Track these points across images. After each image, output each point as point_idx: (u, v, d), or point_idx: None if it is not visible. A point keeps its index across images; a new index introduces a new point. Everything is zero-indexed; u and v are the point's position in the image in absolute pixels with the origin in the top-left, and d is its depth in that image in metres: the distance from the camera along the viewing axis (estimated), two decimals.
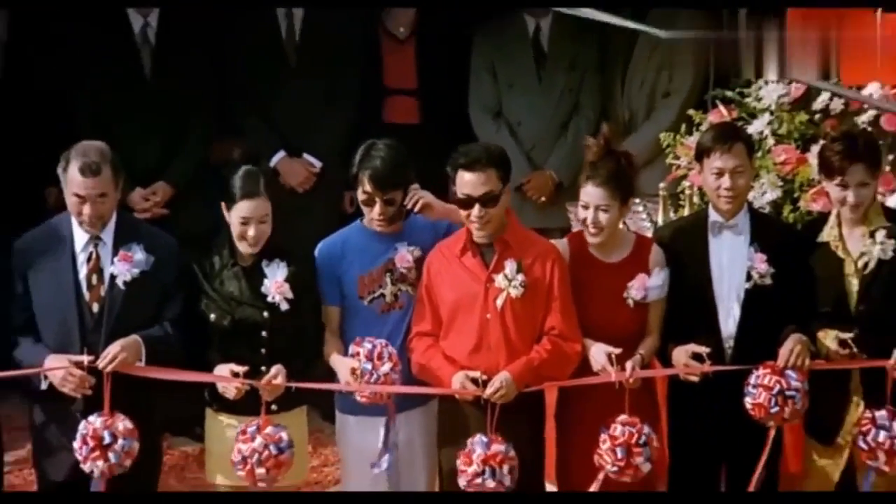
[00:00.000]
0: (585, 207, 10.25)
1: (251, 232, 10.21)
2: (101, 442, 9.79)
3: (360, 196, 10.36)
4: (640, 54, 13.24)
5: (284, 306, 10.25)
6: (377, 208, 10.33)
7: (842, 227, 10.17)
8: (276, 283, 10.22)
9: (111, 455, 9.82)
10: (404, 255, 10.41)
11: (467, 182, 10.19)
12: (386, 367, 10.07)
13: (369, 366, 10.02)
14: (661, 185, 11.84)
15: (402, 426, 10.40)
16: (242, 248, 10.29)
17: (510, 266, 10.06)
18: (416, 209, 10.44)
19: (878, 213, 10.17)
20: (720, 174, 10.18)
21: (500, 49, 13.30)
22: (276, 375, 10.03)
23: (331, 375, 10.47)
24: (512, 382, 9.97)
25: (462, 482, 10.10)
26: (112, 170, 10.23)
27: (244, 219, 10.19)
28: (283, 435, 9.99)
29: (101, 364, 9.87)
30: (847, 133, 10.61)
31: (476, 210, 10.13)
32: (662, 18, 13.05)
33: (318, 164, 12.19)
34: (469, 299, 10.30)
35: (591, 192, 10.28)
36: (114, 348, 9.94)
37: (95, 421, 9.84)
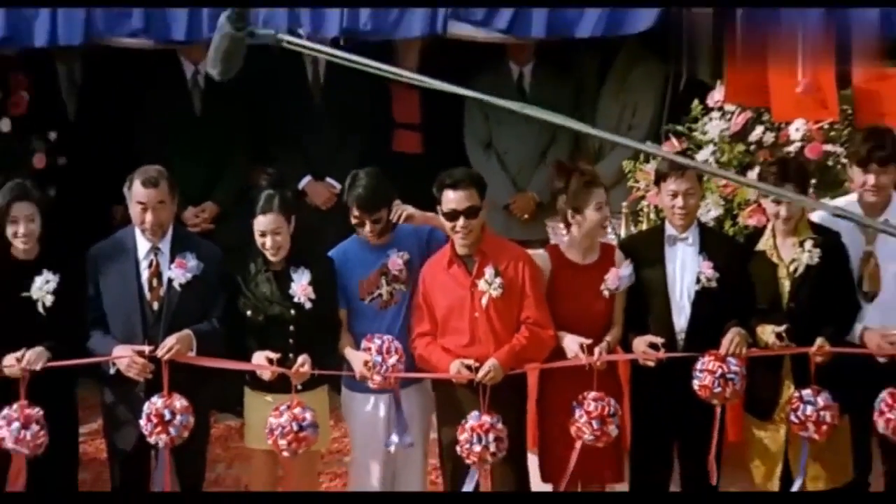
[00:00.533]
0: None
1: (268, 242, 10.31)
2: (162, 418, 9.90)
3: (353, 219, 10.48)
4: (607, 95, 13.26)
5: (308, 305, 10.33)
6: (367, 227, 10.46)
7: (776, 238, 10.28)
8: (301, 286, 10.30)
9: (171, 429, 9.93)
10: (395, 261, 10.48)
11: (452, 199, 10.29)
12: (393, 360, 10.19)
13: (379, 359, 10.16)
14: (624, 203, 11.83)
15: (402, 400, 10.42)
16: (267, 255, 10.39)
17: (489, 272, 10.14)
18: (401, 220, 10.52)
19: (805, 226, 10.22)
20: (675, 195, 10.26)
21: (490, 93, 13.00)
22: (304, 364, 10.10)
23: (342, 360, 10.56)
24: (499, 367, 10.05)
25: (468, 456, 10.11)
26: (168, 184, 10.32)
27: (261, 231, 10.30)
28: (308, 416, 10.05)
29: (160, 353, 9.98)
30: (781, 159, 10.79)
31: (461, 222, 10.22)
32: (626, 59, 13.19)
33: (338, 186, 12.11)
34: (459, 303, 10.37)
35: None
36: (170, 340, 10.03)
37: (157, 401, 9.94)
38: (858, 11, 11.87)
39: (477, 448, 10.02)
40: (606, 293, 10.34)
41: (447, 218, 10.35)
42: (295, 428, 10.01)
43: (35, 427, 9.91)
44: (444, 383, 10.42)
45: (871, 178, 10.30)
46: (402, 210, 10.45)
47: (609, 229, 11.21)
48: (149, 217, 10.23)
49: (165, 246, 10.37)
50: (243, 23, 7.43)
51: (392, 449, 10.46)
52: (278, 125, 13.05)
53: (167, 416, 9.93)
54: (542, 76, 13.35)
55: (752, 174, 11.15)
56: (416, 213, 10.55)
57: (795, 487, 10.27)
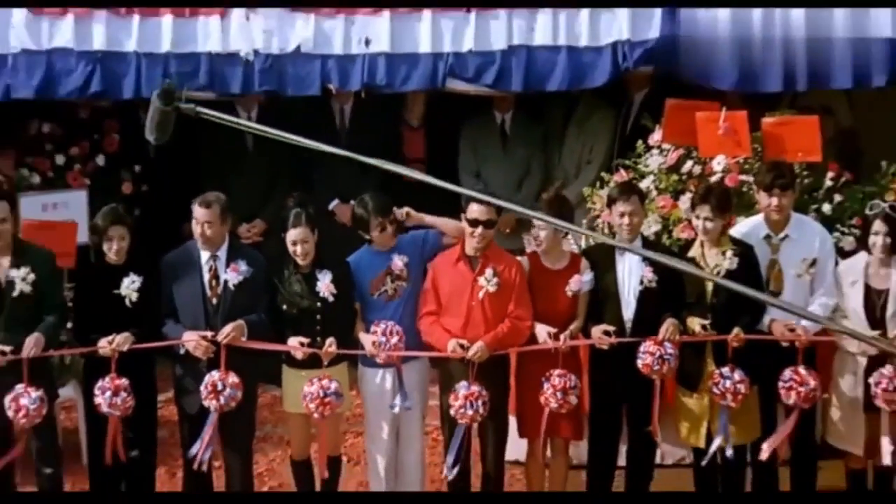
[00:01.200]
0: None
1: (298, 250, 10.32)
2: (216, 388, 10.01)
3: (374, 226, 10.42)
4: (570, 136, 13.14)
5: (331, 300, 10.34)
6: (387, 230, 10.44)
7: (703, 248, 10.28)
8: (325, 284, 10.32)
9: (221, 398, 10.01)
10: (398, 263, 10.45)
11: (477, 210, 10.22)
12: (395, 340, 10.20)
13: (384, 339, 10.17)
14: (584, 221, 11.80)
15: (407, 374, 10.43)
16: (298, 261, 10.42)
17: (489, 272, 10.11)
18: (405, 217, 10.55)
19: (726, 239, 10.23)
20: (622, 215, 10.26)
21: (478, 134, 13.29)
22: (331, 345, 10.12)
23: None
24: (485, 348, 10.05)
25: (460, 417, 10.13)
26: (220, 207, 10.34)
27: (292, 241, 10.31)
28: (333, 386, 10.12)
29: (219, 338, 10.05)
30: (706, 186, 10.72)
31: (480, 230, 10.18)
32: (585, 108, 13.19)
33: (352, 205, 11.81)
34: (460, 292, 10.33)
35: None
36: (227, 328, 10.10)
37: (215, 375, 10.02)
38: (768, 70, 12.15)
39: (469, 412, 10.02)
40: (570, 293, 10.37)
41: (470, 224, 10.32)
42: (321, 395, 10.08)
43: (123, 394, 9.95)
44: (443, 359, 10.39)
45: (774, 201, 10.32)
46: (405, 210, 10.51)
47: (572, 241, 11.29)
48: (199, 230, 10.32)
49: (222, 254, 10.41)
50: (171, 99, 7.57)
51: (396, 410, 10.45)
52: (314, 161, 12.85)
53: (220, 387, 10.03)
54: (520, 121, 13.23)
55: (685, 198, 11.12)
56: (413, 213, 10.58)
57: (715, 444, 10.21)
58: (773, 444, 10.26)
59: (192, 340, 10.17)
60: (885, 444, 10.21)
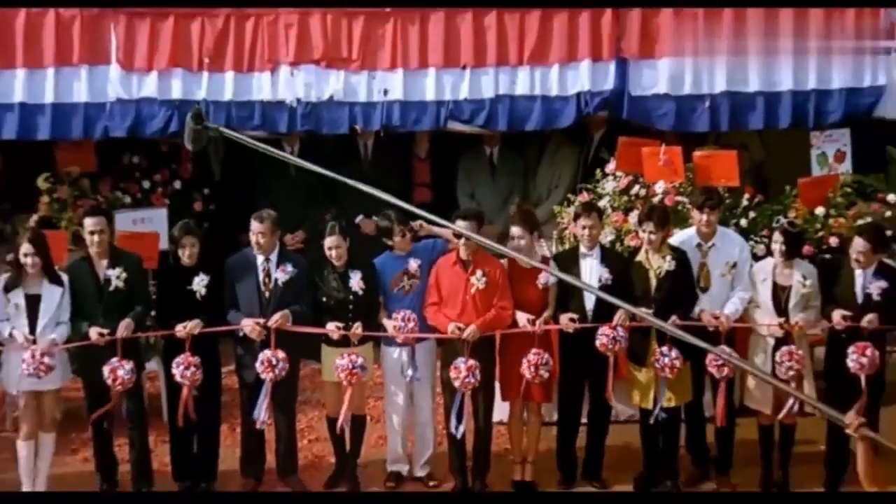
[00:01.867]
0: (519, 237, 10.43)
1: (333, 254, 10.31)
2: (271, 363, 9.97)
3: (396, 234, 10.43)
4: (544, 165, 13.12)
5: (360, 293, 10.34)
6: (405, 237, 10.46)
7: (648, 254, 10.28)
8: (356, 281, 10.31)
9: (276, 371, 9.98)
10: (413, 265, 10.43)
11: (463, 226, 10.11)
12: (411, 325, 10.20)
13: (402, 324, 10.18)
14: (554, 232, 11.82)
15: (417, 352, 10.43)
16: (333, 262, 10.40)
17: (479, 272, 10.11)
18: (419, 228, 10.51)
19: (666, 246, 10.26)
20: (585, 227, 10.31)
21: (472, 164, 13.30)
22: (359, 328, 10.13)
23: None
24: (477, 331, 10.05)
25: (456, 384, 10.11)
26: (271, 221, 10.33)
27: (329, 247, 10.31)
28: (359, 360, 10.11)
29: (270, 324, 10.04)
30: (650, 205, 10.75)
31: (468, 242, 10.14)
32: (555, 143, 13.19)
33: (376, 222, 11.33)
34: (457, 288, 10.32)
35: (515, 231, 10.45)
36: (277, 316, 10.07)
37: (268, 352, 9.97)
38: (697, 115, 12.23)
39: (471, 381, 10.01)
40: (540, 285, 10.38)
41: (457, 236, 10.30)
42: (350, 367, 10.08)
43: (194, 368, 9.98)
44: (447, 342, 10.35)
45: (704, 217, 10.33)
46: (419, 222, 10.41)
47: (545, 247, 11.39)
48: (254, 239, 10.34)
49: (273, 258, 10.39)
50: (200, 120, 7.91)
51: (408, 379, 10.49)
52: (340, 184, 12.72)
53: (274, 362, 9.99)
54: (504, 154, 13.16)
55: (634, 215, 11.18)
56: (425, 225, 10.45)
57: (658, 407, 10.21)
58: (721, 411, 10.25)
59: (248, 325, 10.17)
60: (788, 404, 10.23)
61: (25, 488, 10.22)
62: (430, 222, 10.05)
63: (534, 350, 10.17)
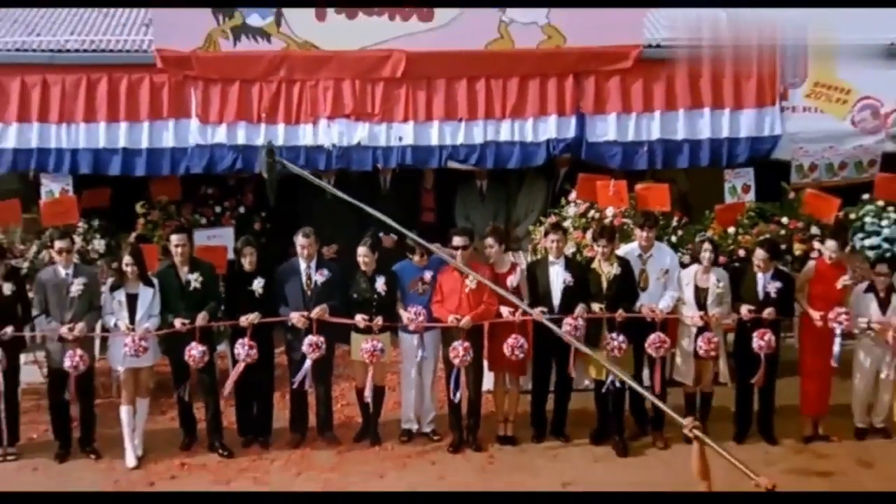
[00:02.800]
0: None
1: (362, 262, 10.30)
2: (316, 345, 10.11)
3: (418, 253, 10.44)
4: (522, 195, 12.96)
5: (383, 293, 10.30)
6: (416, 256, 10.44)
7: (600, 262, 10.30)
8: (380, 283, 10.28)
9: (319, 351, 10.10)
10: (427, 276, 10.44)
11: (458, 241, 10.30)
12: (421, 318, 10.18)
13: (415, 317, 10.18)
14: (529, 246, 11.95)
15: (425, 338, 10.43)
16: (363, 268, 10.35)
17: (471, 277, 9.88)
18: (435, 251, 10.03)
19: (614, 256, 10.29)
20: (553, 242, 10.39)
21: (466, 193, 13.08)
22: (380, 320, 10.19)
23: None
24: (470, 321, 10.09)
25: (455, 361, 10.13)
26: (312, 238, 10.33)
27: (360, 256, 10.32)
28: (379, 345, 10.19)
29: (312, 315, 10.12)
30: (602, 226, 10.76)
31: (460, 251, 10.22)
32: (530, 177, 13.04)
33: (395, 237, 11.59)
34: (454, 289, 10.29)
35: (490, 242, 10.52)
36: (317, 309, 10.14)
37: (312, 337, 10.10)
38: (639, 157, 12.08)
39: (467, 358, 10.09)
40: (510, 285, 10.25)
41: (456, 249, 10.34)
42: (371, 349, 10.17)
43: (253, 351, 10.07)
44: (447, 329, 10.30)
45: (644, 234, 10.45)
46: (437, 245, 10.18)
47: (521, 257, 11.41)
48: (300, 251, 10.33)
49: (313, 265, 10.37)
50: (271, 155, 8.38)
51: (418, 358, 10.46)
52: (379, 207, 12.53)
53: (316, 344, 10.10)
54: (491, 185, 13.03)
55: (590, 233, 11.10)
56: (440, 248, 10.35)
57: (609, 379, 10.22)
58: (657, 381, 10.24)
59: (295, 317, 10.21)
60: (707, 377, 10.49)
61: (127, 441, 10.21)
62: (418, 244, 10.14)
63: (513, 335, 10.20)
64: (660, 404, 7.27)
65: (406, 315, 10.40)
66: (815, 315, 10.36)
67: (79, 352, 9.99)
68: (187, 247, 10.43)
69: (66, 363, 9.98)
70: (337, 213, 12.10)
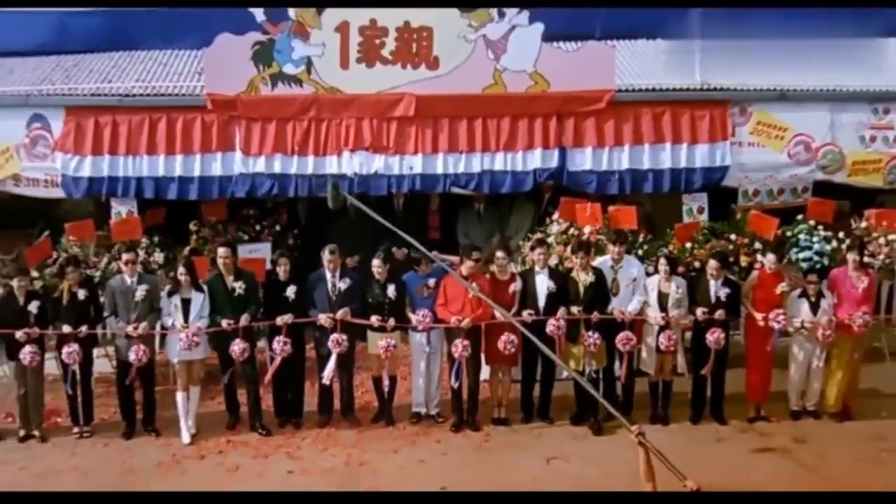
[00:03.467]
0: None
1: (376, 272, 10.31)
2: (339, 341, 10.10)
3: (422, 265, 10.47)
4: (513, 215, 12.80)
5: (394, 297, 10.30)
6: (423, 266, 10.47)
7: (578, 271, 10.29)
8: (391, 289, 10.27)
9: (341, 346, 10.10)
10: (430, 282, 10.42)
11: (476, 254, 10.34)
12: (428, 319, 10.16)
13: (422, 318, 10.18)
14: (519, 258, 11.72)
15: (431, 335, 10.40)
16: (376, 277, 10.34)
17: (473, 285, 9.66)
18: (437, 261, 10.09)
19: (590, 267, 10.30)
20: (539, 254, 10.39)
21: (466, 214, 12.95)
22: (391, 321, 10.22)
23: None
24: (470, 321, 10.10)
25: (456, 355, 10.13)
26: (337, 252, 10.33)
27: (375, 266, 10.33)
28: (392, 342, 10.21)
29: (336, 317, 10.11)
30: (579, 241, 10.74)
31: (468, 263, 10.23)
32: (520, 201, 12.95)
33: (405, 251, 11.45)
34: (458, 294, 10.27)
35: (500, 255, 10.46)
36: (340, 312, 10.13)
37: (335, 335, 10.09)
38: (611, 182, 12.04)
39: (466, 353, 10.10)
40: (511, 291, 10.31)
41: (462, 258, 10.36)
42: (387, 346, 10.20)
43: (287, 346, 10.07)
44: (450, 328, 10.26)
45: (616, 249, 10.45)
46: (435, 252, 10.11)
47: (511, 267, 11.42)
48: (325, 263, 10.31)
49: (337, 274, 10.33)
50: (336, 189, 8.66)
51: (426, 353, 10.47)
52: (380, 228, 12.44)
53: (340, 341, 10.11)
54: (488, 208, 12.85)
55: (570, 247, 10.93)
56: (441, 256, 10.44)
57: (587, 370, 10.14)
58: (624, 372, 10.30)
59: (323, 318, 10.19)
60: (668, 368, 10.47)
61: (182, 422, 10.25)
62: (424, 255, 9.95)
63: (505, 333, 10.18)
64: (613, 411, 7.06)
65: (415, 318, 10.34)
66: (758, 316, 10.37)
67: (142, 347, 10.04)
68: (232, 259, 10.41)
69: (132, 356, 10.02)
70: (356, 231, 12.09)
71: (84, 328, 10.09)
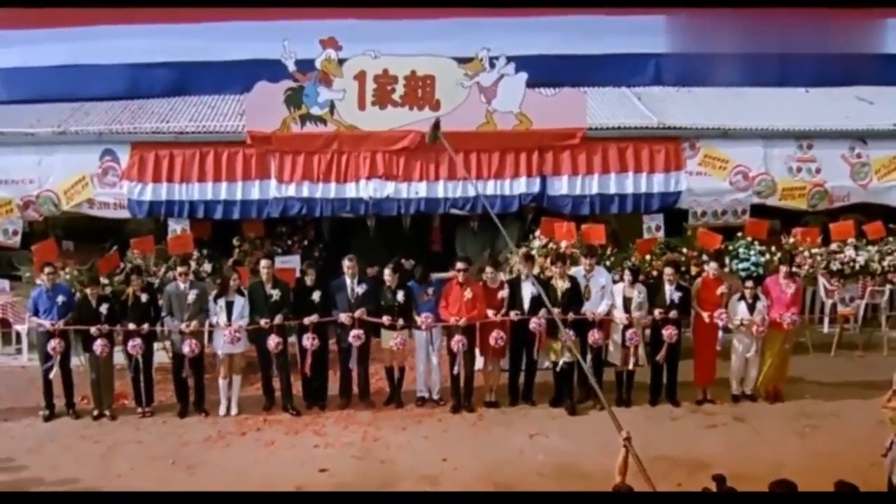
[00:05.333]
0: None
1: (388, 279, 10.33)
2: (359, 336, 10.15)
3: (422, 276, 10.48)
4: (502, 232, 12.69)
5: (402, 301, 10.31)
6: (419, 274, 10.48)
7: (557, 279, 10.28)
8: (400, 295, 10.31)
9: (360, 339, 10.15)
10: (430, 290, 10.42)
11: (460, 264, 10.28)
12: (430, 319, 10.17)
13: (425, 318, 10.20)
14: (507, 268, 11.54)
15: (433, 333, 10.40)
16: (387, 283, 10.34)
17: (468, 290, 10.07)
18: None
19: (567, 275, 10.32)
20: (526, 266, 10.39)
21: (463, 231, 12.80)
22: (401, 321, 10.20)
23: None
24: (466, 321, 10.09)
25: (454, 349, 10.15)
26: (356, 262, 10.32)
27: (386, 275, 10.35)
28: (401, 338, 10.20)
29: (355, 316, 10.13)
30: (557, 253, 10.87)
31: (463, 273, 10.25)
32: (510, 220, 13.04)
33: (412, 262, 11.36)
34: (456, 298, 10.23)
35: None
36: (358, 312, 10.14)
37: (355, 331, 10.13)
38: (583, 204, 12.01)
39: (464, 348, 10.15)
40: (499, 297, 10.33)
41: (457, 270, 10.32)
42: (400, 341, 10.22)
43: (315, 341, 10.09)
44: (449, 326, 10.22)
45: (587, 261, 10.49)
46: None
47: (500, 276, 11.48)
48: (346, 271, 10.30)
49: (356, 281, 10.31)
50: (436, 129, 9.38)
51: (429, 348, 10.47)
52: (392, 242, 12.43)
53: (360, 336, 10.17)
54: (482, 225, 12.56)
55: (549, 259, 10.89)
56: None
57: (562, 360, 10.17)
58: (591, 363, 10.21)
59: (344, 317, 10.21)
60: (631, 360, 10.46)
61: (223, 406, 10.34)
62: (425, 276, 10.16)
63: (496, 330, 10.22)
64: (610, 411, 6.79)
65: (419, 320, 10.35)
66: (705, 315, 10.50)
67: (193, 341, 10.14)
68: (272, 269, 10.45)
69: (185, 349, 10.16)
70: (372, 245, 12.21)
71: (145, 326, 10.17)
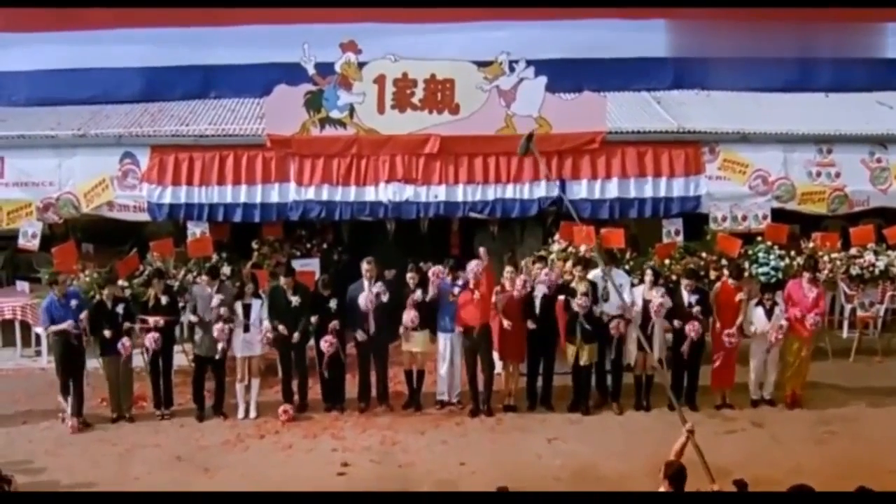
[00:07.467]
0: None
1: (410, 281, 10.27)
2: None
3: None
4: (526, 239, 12.88)
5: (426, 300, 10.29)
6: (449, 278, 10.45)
7: (577, 282, 10.23)
8: (419, 293, 10.27)
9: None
10: (455, 290, 10.28)
11: (472, 269, 10.22)
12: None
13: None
14: (525, 271, 11.78)
15: (453, 337, 10.44)
16: (410, 285, 10.27)
17: (476, 292, 10.03)
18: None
19: (587, 279, 10.26)
20: (541, 268, 10.47)
21: (482, 234, 12.70)
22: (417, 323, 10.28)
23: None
24: (480, 326, 10.12)
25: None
26: (374, 265, 10.32)
27: (409, 277, 10.30)
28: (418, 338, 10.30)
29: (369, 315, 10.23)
30: (577, 257, 10.80)
31: (481, 262, 10.24)
32: (530, 225, 13.04)
33: (430, 265, 10.68)
34: (469, 300, 10.15)
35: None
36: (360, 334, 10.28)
37: (361, 334, 10.28)
38: (602, 209, 12.05)
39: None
40: (517, 298, 10.26)
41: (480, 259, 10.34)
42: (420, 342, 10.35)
43: (334, 344, 10.16)
44: (467, 330, 10.22)
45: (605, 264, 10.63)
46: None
47: (522, 276, 11.36)
48: (364, 274, 10.31)
49: (373, 283, 10.28)
50: (529, 140, 9.20)
51: (448, 351, 10.43)
52: (409, 245, 12.43)
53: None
54: (501, 229, 12.73)
55: (569, 262, 11.03)
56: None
57: (582, 360, 10.15)
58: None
59: (360, 334, 10.32)
60: (649, 364, 10.37)
61: (241, 409, 10.36)
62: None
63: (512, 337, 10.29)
64: (676, 405, 7.02)
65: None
66: (724, 335, 10.47)
67: (221, 344, 10.19)
68: (292, 281, 10.50)
69: (219, 347, 10.22)
70: (389, 249, 12.24)
71: (162, 320, 10.20)
